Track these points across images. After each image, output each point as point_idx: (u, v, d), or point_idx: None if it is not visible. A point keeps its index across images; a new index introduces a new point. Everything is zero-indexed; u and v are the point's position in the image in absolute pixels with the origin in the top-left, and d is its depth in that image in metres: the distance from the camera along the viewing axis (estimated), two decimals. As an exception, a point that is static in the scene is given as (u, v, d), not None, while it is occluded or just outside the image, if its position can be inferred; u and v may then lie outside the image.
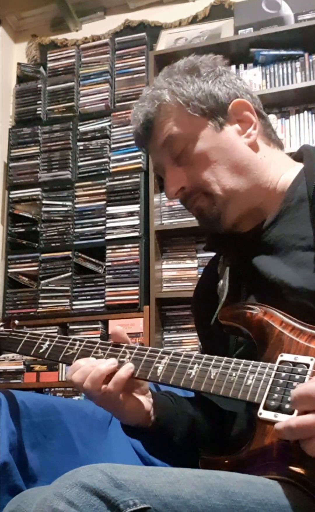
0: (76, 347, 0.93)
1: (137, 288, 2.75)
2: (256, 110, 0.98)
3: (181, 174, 0.96)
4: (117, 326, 0.94)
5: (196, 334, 2.63)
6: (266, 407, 0.73)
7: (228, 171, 0.94)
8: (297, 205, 0.92)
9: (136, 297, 2.73)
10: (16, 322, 1.07)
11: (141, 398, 0.91)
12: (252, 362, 0.79)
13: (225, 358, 0.81)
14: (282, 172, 0.97)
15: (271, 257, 0.92)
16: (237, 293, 0.95)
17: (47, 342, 0.97)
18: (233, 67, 2.86)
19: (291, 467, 0.69)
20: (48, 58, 3.23)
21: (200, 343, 2.62)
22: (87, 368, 0.86)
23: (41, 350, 0.97)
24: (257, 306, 0.87)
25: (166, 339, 2.72)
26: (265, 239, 0.93)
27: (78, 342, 0.94)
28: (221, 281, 0.99)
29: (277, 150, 1.01)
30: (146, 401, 0.92)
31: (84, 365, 0.87)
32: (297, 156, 1.02)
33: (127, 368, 0.86)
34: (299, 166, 0.98)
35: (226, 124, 0.96)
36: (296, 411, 0.70)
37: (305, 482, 0.69)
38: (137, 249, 2.79)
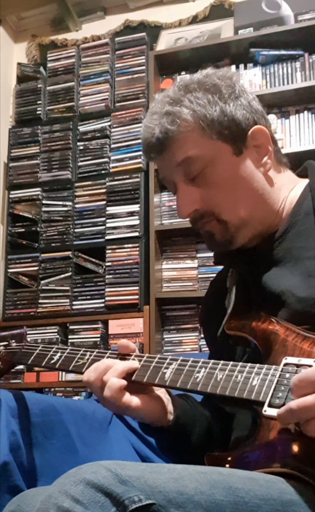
0: (86, 357, 0.96)
1: (137, 288, 2.74)
2: (271, 136, 0.98)
3: (195, 195, 0.95)
4: (122, 339, 0.97)
5: (196, 334, 2.68)
6: (270, 405, 0.74)
7: (244, 200, 0.94)
8: (303, 219, 0.94)
9: (136, 297, 2.73)
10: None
11: (159, 393, 0.93)
12: (257, 365, 0.81)
13: (231, 362, 0.83)
14: (288, 191, 0.99)
15: (279, 268, 0.94)
16: (245, 306, 0.97)
17: (59, 354, 1.00)
18: (233, 67, 2.86)
19: (294, 459, 0.71)
20: (48, 58, 3.23)
21: (200, 343, 2.65)
22: (106, 365, 0.89)
23: (52, 361, 1.00)
24: (262, 316, 0.89)
25: (166, 339, 2.72)
26: (274, 252, 0.95)
27: (88, 353, 0.97)
28: (230, 295, 1.01)
29: (285, 172, 1.02)
30: (164, 397, 0.94)
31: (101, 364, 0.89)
32: (301, 172, 1.04)
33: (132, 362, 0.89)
34: (304, 182, 1.00)
35: (245, 151, 0.95)
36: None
37: (308, 473, 0.69)
38: (137, 249, 2.79)
